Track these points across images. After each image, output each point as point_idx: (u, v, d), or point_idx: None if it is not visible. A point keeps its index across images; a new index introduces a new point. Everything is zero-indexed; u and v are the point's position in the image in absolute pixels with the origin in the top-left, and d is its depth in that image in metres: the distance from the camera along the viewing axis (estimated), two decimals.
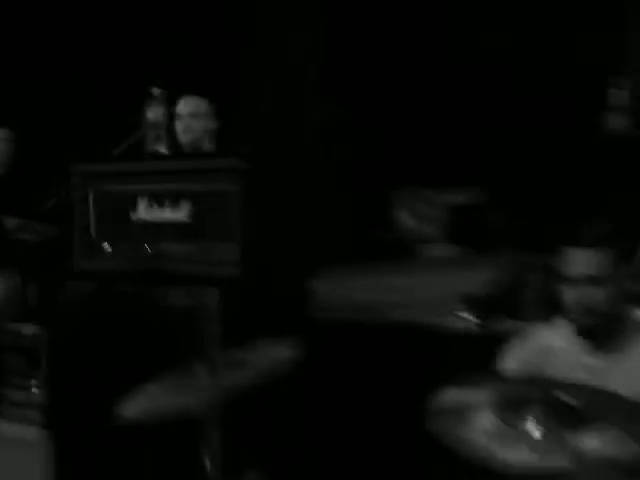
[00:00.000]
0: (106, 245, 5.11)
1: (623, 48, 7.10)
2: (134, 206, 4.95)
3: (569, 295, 4.04)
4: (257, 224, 4.80)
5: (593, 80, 6.85)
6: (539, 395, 3.41)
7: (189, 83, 7.06)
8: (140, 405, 4.03)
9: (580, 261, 4.00)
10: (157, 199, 4.88)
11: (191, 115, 6.76)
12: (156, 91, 5.57)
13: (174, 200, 4.83)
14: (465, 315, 5.24)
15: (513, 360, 4.33)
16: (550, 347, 4.25)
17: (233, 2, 8.49)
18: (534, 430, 3.27)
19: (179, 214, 4.80)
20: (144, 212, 4.91)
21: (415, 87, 8.50)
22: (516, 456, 3.24)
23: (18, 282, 5.12)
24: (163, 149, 5.63)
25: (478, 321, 5.18)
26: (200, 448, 4.25)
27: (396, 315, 5.65)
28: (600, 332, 4.06)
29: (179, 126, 6.77)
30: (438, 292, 5.79)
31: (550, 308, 4.49)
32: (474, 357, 4.84)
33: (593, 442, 3.25)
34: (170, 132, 6.54)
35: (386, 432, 5.06)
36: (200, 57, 7.69)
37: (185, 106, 6.81)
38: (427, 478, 4.71)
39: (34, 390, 5.32)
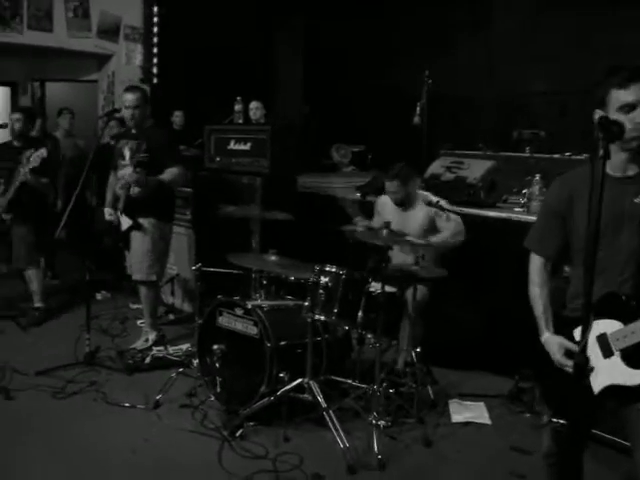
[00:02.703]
0: (218, 158, 5.70)
1: None
2: (228, 143, 5.56)
3: (390, 196, 4.36)
4: (276, 152, 5.28)
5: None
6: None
7: (255, 95, 7.20)
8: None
9: (390, 185, 4.29)
10: (237, 140, 5.51)
11: (254, 108, 7.05)
12: (239, 99, 6.30)
13: (244, 141, 5.46)
14: (358, 194, 5.51)
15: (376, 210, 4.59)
16: (385, 203, 4.45)
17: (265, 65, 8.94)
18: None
19: (246, 147, 5.45)
20: (232, 145, 5.53)
21: (341, 103, 8.56)
22: None
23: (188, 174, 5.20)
24: (241, 121, 6.00)
25: (361, 197, 5.45)
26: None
27: (329, 192, 5.91)
28: (403, 201, 4.30)
29: (251, 112, 7.02)
30: (347, 184, 6.01)
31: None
32: (360, 209, 5.19)
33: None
34: (247, 114, 6.85)
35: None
36: (258, 86, 7.86)
37: (253, 105, 7.08)
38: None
39: (187, 213, 5.67)
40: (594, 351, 2.14)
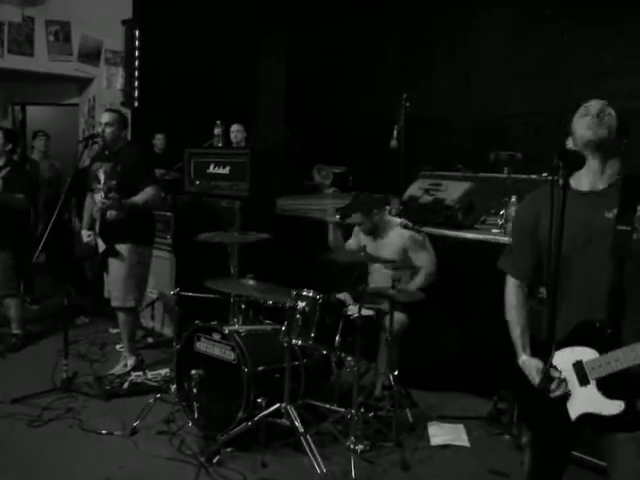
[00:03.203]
0: (198, 182, 5.66)
1: None
2: (208, 166, 5.56)
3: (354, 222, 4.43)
4: (256, 175, 5.27)
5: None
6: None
7: (236, 118, 7.26)
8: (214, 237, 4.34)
9: (354, 218, 4.37)
10: (217, 164, 5.50)
11: (237, 131, 7.14)
12: (218, 122, 6.26)
13: (223, 165, 5.46)
14: (338, 217, 4.80)
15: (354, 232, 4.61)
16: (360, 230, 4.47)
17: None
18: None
19: (225, 170, 5.45)
20: (212, 169, 5.53)
21: (322, 125, 8.70)
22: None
23: (162, 194, 5.13)
24: (220, 144, 6.04)
25: (341, 219, 4.74)
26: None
27: (309, 214, 5.85)
28: (372, 230, 4.37)
29: (232, 135, 7.13)
30: (328, 206, 5.34)
31: None
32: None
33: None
34: (227, 137, 6.93)
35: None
36: (239, 109, 7.70)
37: (234, 128, 7.17)
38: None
39: (168, 236, 5.64)
40: (571, 378, 2.14)
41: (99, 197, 4.55)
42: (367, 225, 4.35)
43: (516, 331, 2.35)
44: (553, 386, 2.11)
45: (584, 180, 2.18)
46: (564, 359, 2.14)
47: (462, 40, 8.21)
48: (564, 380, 2.12)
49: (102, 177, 4.59)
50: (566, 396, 2.13)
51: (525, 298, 2.40)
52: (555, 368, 2.12)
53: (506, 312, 2.41)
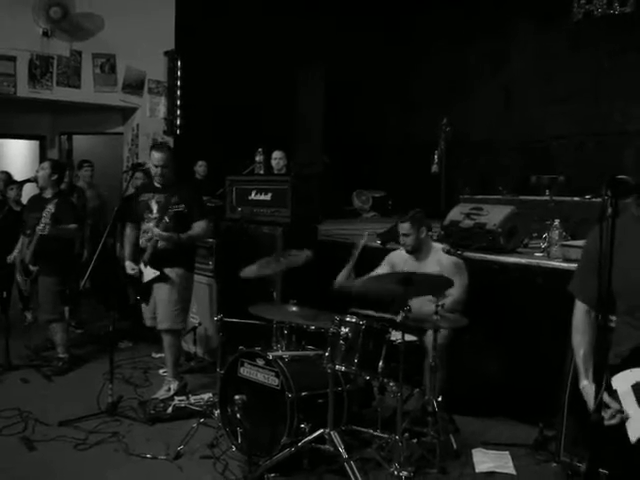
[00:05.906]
0: (240, 208, 5.79)
1: None
2: (250, 193, 5.65)
3: (401, 240, 4.38)
4: (297, 202, 5.35)
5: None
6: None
7: (275, 145, 7.12)
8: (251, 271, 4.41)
9: (402, 227, 4.31)
10: (258, 191, 5.57)
11: (278, 158, 7.00)
12: (260, 150, 6.37)
13: (265, 191, 5.53)
14: (378, 242, 5.36)
15: (391, 258, 4.60)
16: (400, 254, 4.47)
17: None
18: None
19: (267, 197, 5.52)
20: (253, 195, 5.62)
21: (361, 151, 8.82)
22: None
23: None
24: (262, 171, 6.25)
25: (381, 244, 5.30)
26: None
27: (349, 240, 5.58)
28: (415, 250, 4.33)
29: (273, 162, 7.00)
30: (366, 231, 5.40)
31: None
32: (379, 257, 4.79)
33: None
34: (268, 164, 6.96)
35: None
36: (279, 135, 7.78)
37: (276, 155, 7.03)
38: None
39: (210, 262, 5.61)
40: (629, 400, 2.09)
41: (157, 230, 4.53)
42: (412, 238, 4.27)
43: (579, 354, 2.34)
44: (607, 415, 2.06)
45: None
46: (622, 381, 2.12)
47: (501, 62, 8.24)
48: (620, 410, 2.07)
49: (155, 208, 4.65)
50: (624, 420, 2.08)
51: (592, 323, 2.37)
52: (614, 395, 2.08)
53: (572, 336, 2.41)
